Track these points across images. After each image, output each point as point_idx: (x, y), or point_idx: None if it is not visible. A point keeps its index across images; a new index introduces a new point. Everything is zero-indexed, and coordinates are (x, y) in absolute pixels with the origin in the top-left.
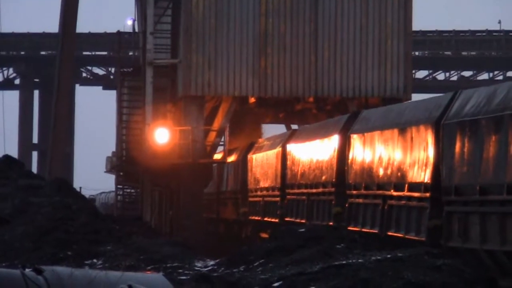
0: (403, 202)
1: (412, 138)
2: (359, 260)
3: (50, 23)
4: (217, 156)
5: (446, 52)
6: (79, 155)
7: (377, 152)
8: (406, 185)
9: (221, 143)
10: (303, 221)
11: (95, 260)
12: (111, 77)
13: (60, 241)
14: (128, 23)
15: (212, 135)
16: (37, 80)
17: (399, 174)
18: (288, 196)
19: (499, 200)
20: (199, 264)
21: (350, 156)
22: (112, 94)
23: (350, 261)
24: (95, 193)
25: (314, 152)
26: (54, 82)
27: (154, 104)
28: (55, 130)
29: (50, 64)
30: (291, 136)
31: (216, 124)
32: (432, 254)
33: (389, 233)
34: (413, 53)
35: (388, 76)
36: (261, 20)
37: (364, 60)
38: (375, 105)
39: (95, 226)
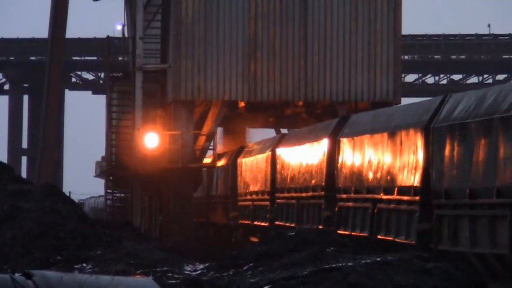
0: (393, 205)
1: (401, 142)
2: (349, 264)
3: (40, 28)
4: (207, 160)
5: (435, 56)
6: (69, 159)
7: (366, 156)
8: (396, 189)
9: (211, 147)
10: (292, 225)
11: (85, 265)
12: (101, 82)
13: (49, 246)
14: (117, 28)
15: (202, 140)
16: (26, 85)
17: (388, 177)
18: (278, 200)
19: (489, 203)
20: (188, 268)
21: (340, 160)
22: (101, 99)
23: (340, 265)
24: (84, 198)
25: (304, 156)
26: (44, 87)
27: (143, 109)
28: (45, 135)
29: (39, 69)
30: (280, 140)
31: (206, 129)
32: (422, 258)
33: (379, 237)
34: (402, 57)
35: (377, 80)
36: (251, 24)
37: (353, 64)
38: (365, 109)
39: (85, 231)
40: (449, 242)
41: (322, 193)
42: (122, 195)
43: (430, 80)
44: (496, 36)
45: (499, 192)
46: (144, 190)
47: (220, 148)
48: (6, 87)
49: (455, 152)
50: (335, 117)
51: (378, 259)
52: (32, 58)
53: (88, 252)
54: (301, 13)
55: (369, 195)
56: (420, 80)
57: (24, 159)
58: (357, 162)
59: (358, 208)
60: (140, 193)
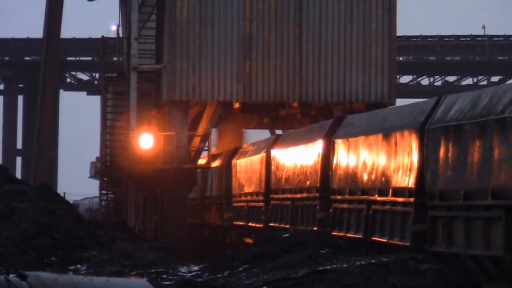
0: (388, 207)
1: (396, 143)
2: (344, 265)
3: (35, 28)
4: (202, 161)
5: (430, 57)
6: (64, 160)
7: (361, 157)
8: (390, 190)
9: (206, 148)
10: (287, 226)
11: (79, 266)
12: (96, 82)
13: (44, 247)
14: (112, 29)
15: (197, 141)
16: (21, 85)
17: (383, 179)
18: (273, 201)
19: (483, 205)
20: (183, 269)
21: (335, 161)
22: (96, 100)
23: (335, 266)
24: (79, 199)
25: (299, 157)
26: (39, 87)
27: (138, 110)
28: (40, 136)
29: (34, 69)
30: (275, 141)
31: (201, 129)
32: (416, 259)
33: (374, 238)
34: (397, 58)
35: (372, 81)
36: (246, 24)
37: (348, 65)
38: (360, 110)
39: (79, 231)
40: (444, 243)
41: (317, 194)
42: (116, 195)
43: (425, 81)
44: (491, 37)
45: (493, 193)
46: (139, 191)
47: (215, 149)
48: (1, 87)
49: (450, 153)
50: (330, 118)
51: (373, 261)
52: (27, 58)
53: (82, 252)
54: (296, 13)
55: (364, 197)
56: (414, 81)
57: (18, 160)
58: (352, 164)
59: (352, 210)
60: (135, 194)
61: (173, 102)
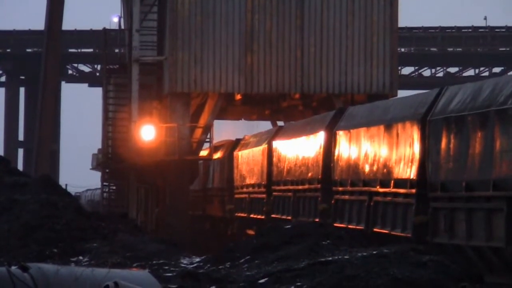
0: (389, 198)
1: (398, 134)
2: (345, 257)
3: (36, 20)
4: (203, 153)
5: (432, 49)
6: (65, 152)
7: (363, 148)
8: (392, 182)
9: (207, 140)
10: (289, 218)
11: (81, 258)
12: (97, 74)
13: (46, 239)
14: (114, 20)
15: (198, 132)
16: (23, 77)
17: (385, 170)
18: (274, 193)
19: (485, 196)
20: (185, 261)
21: (336, 153)
22: (98, 91)
23: (336, 257)
24: (81, 190)
25: (300, 148)
26: (40, 79)
27: (140, 101)
28: (41, 128)
29: (36, 62)
30: (277, 132)
31: (202, 121)
32: (418, 251)
33: (375, 230)
34: (399, 49)
35: (374, 73)
36: (247, 16)
37: (350, 57)
38: (361, 102)
39: (81, 223)
40: (445, 235)
41: (319, 185)
42: (118, 187)
43: (426, 72)
44: (492, 28)
45: (495, 185)
46: (141, 183)
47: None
48: (3, 79)
49: (451, 144)
50: (331, 110)
51: (374, 252)
52: (29, 50)
53: (84, 244)
54: (297, 5)
55: (366, 188)
56: (416, 73)
57: (20, 152)
58: (354, 155)
59: (354, 201)
60: (137, 186)
61: (175, 94)
